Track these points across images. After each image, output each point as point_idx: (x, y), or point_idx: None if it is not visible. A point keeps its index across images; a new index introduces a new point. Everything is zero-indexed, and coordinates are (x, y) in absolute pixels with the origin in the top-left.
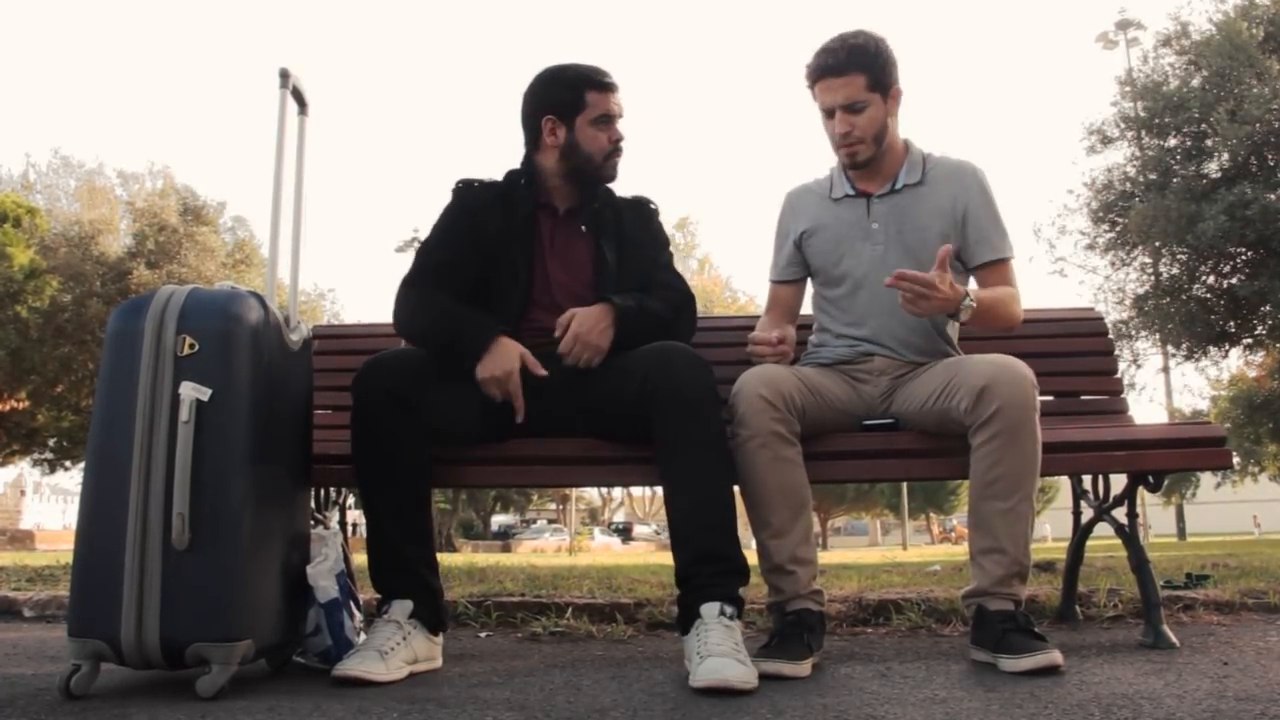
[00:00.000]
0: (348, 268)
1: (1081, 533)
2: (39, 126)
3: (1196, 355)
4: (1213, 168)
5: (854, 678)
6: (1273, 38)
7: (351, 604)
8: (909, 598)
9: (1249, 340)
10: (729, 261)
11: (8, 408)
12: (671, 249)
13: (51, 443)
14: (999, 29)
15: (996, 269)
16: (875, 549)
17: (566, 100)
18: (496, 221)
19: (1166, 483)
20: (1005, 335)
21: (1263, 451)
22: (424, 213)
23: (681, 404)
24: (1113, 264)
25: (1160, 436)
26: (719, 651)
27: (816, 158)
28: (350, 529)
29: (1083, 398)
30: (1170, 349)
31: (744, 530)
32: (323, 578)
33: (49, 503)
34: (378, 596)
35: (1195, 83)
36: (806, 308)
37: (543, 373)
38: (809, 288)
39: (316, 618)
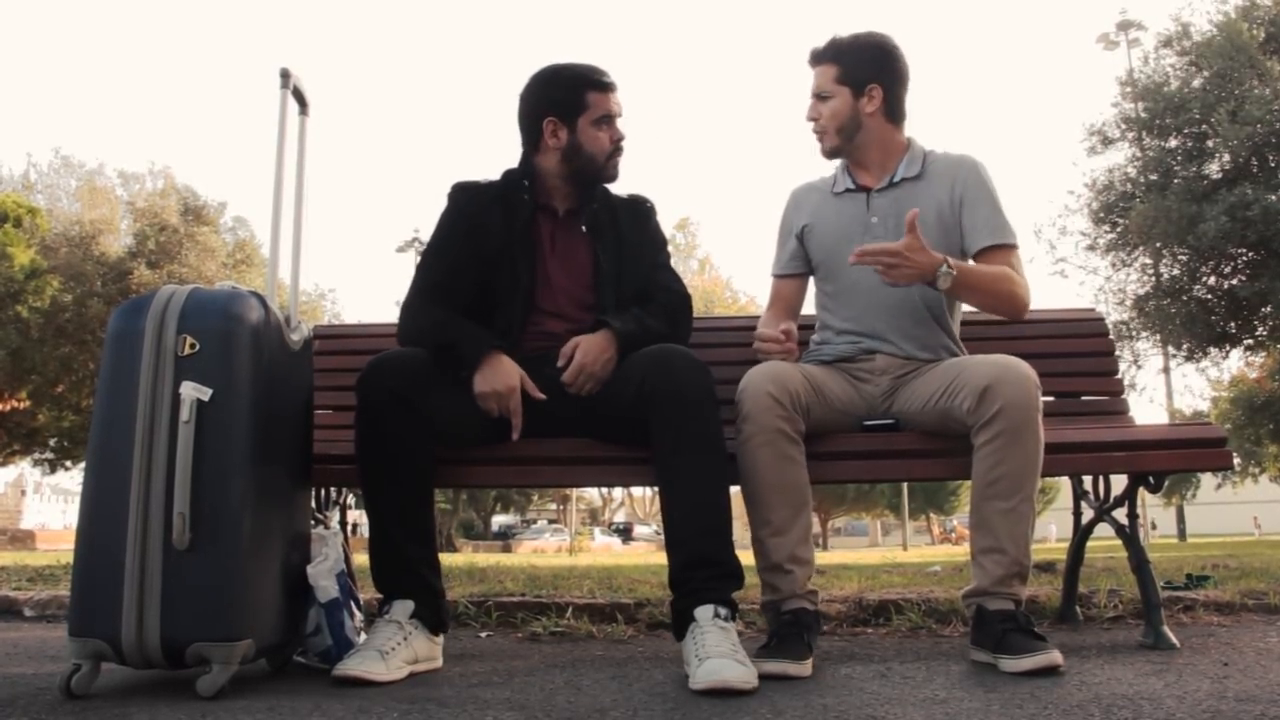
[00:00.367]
0: (348, 268)
1: (1082, 533)
2: (40, 126)
3: (1197, 356)
4: (1214, 169)
5: (854, 678)
6: (1274, 39)
7: (352, 604)
8: (909, 598)
9: (1250, 341)
10: (729, 262)
11: (8, 408)
12: (669, 248)
13: (52, 443)
14: (1000, 29)
15: (996, 254)
16: (875, 549)
17: (568, 101)
18: (496, 224)
19: (1167, 483)
20: (1007, 336)
21: (1263, 452)
22: (424, 213)
23: (680, 406)
24: (1113, 265)
25: (1161, 437)
26: (717, 653)
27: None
28: (350, 529)
29: (1083, 398)
30: (1171, 350)
31: (743, 530)
32: (323, 577)
33: (49, 503)
34: (378, 596)
35: (1196, 84)
36: (808, 307)
37: (542, 397)
38: (811, 285)
39: (317, 617)
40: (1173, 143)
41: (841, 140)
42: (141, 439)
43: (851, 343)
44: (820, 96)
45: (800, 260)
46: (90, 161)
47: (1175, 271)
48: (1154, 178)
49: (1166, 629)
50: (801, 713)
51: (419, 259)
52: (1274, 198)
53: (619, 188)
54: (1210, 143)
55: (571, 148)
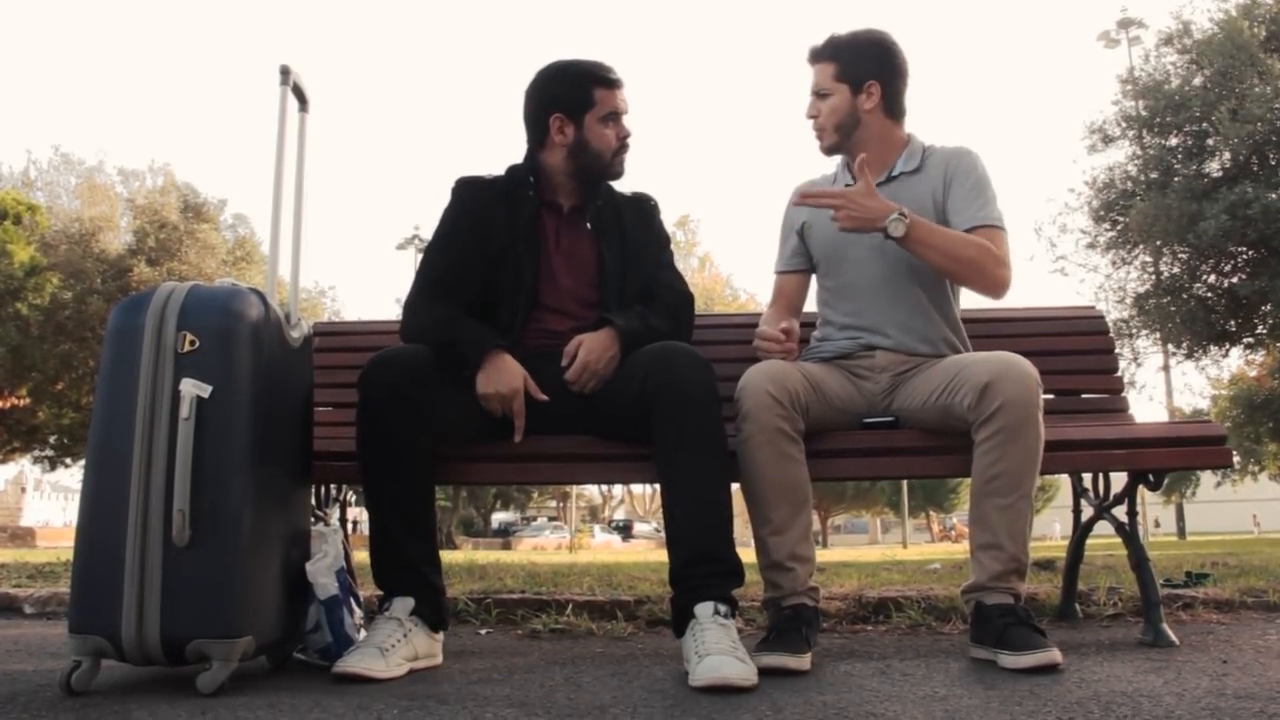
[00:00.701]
0: (348, 265)
1: (1081, 531)
2: (40, 123)
3: (1197, 354)
4: (1214, 167)
5: (854, 675)
6: (1275, 37)
7: (352, 601)
8: (909, 595)
9: (1249, 339)
10: (730, 259)
11: (8, 405)
12: (671, 247)
13: (52, 440)
14: (1001, 28)
15: (977, 234)
16: (875, 547)
17: (574, 98)
18: (500, 220)
19: (1167, 481)
20: (1007, 334)
21: (1263, 450)
22: (425, 210)
23: (681, 404)
24: (1113, 263)
25: (1160, 435)
26: (717, 650)
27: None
28: (350, 526)
29: (1083, 396)
30: (1171, 348)
31: (743, 528)
32: (323, 574)
33: (49, 500)
34: (378, 593)
35: (1197, 82)
36: (810, 305)
37: (544, 398)
38: (813, 283)
39: (317, 614)
40: (1173, 141)
41: (840, 137)
42: (141, 436)
43: (852, 338)
44: (819, 94)
45: (801, 257)
46: (90, 158)
47: (1175, 269)
48: (1154, 176)
49: (1166, 627)
50: (801, 710)
51: (422, 255)
52: (1274, 196)
53: (621, 185)
54: (1211, 141)
55: (578, 144)
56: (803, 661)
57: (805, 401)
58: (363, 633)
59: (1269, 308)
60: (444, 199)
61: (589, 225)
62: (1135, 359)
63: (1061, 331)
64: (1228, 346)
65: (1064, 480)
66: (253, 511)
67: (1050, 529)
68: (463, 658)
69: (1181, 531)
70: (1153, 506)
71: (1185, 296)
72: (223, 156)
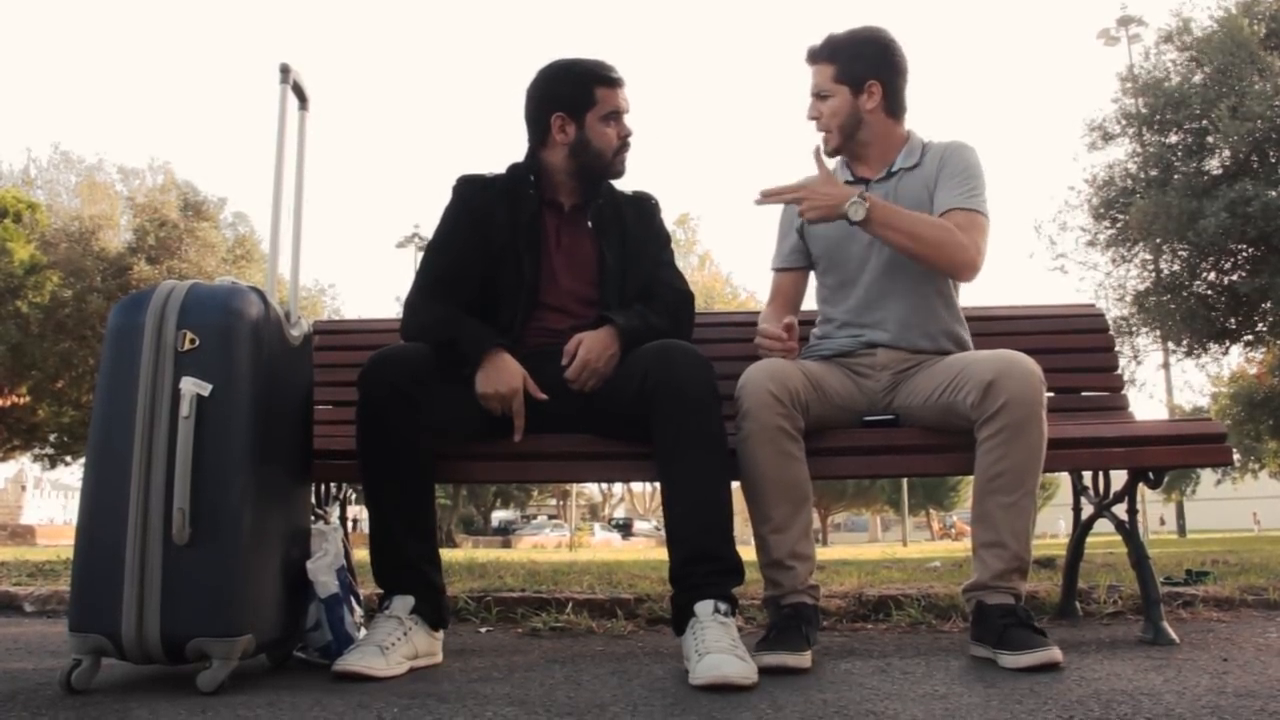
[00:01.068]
0: (348, 263)
1: (1082, 529)
2: (40, 122)
3: (1197, 352)
4: (1214, 164)
5: (854, 673)
6: (1275, 34)
7: (352, 599)
8: (909, 594)
9: (1249, 337)
10: (729, 258)
11: (8, 403)
12: (671, 245)
13: (52, 438)
14: (1001, 25)
15: (952, 216)
16: (875, 545)
17: (575, 97)
18: (501, 219)
19: (1167, 479)
20: (1007, 332)
21: (1263, 448)
22: (425, 208)
23: (682, 402)
24: (1113, 260)
25: (1160, 433)
26: (717, 648)
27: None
28: (351, 524)
29: (1083, 394)
30: (1171, 345)
31: (743, 526)
32: (323, 573)
33: (49, 498)
34: (379, 591)
35: (1197, 79)
36: (809, 303)
37: (544, 397)
38: (812, 280)
39: (317, 613)
40: (1173, 138)
41: (843, 138)
42: (141, 434)
43: (852, 336)
44: (819, 95)
45: (800, 254)
46: (90, 157)
47: (1175, 267)
48: (1154, 173)
49: (1166, 625)
50: (801, 708)
51: (422, 253)
52: (1274, 194)
53: (622, 184)
54: (1211, 138)
55: (579, 143)
56: (803, 660)
57: (805, 399)
58: (363, 631)
59: (1269, 305)
60: (444, 197)
61: (590, 224)
62: (1135, 357)
63: (1061, 329)
64: (1228, 344)
65: (1064, 478)
66: (253, 510)
67: (1055, 526)
68: (463, 656)
69: (1182, 529)
70: (1156, 505)
71: (1185, 294)
72: (223, 155)
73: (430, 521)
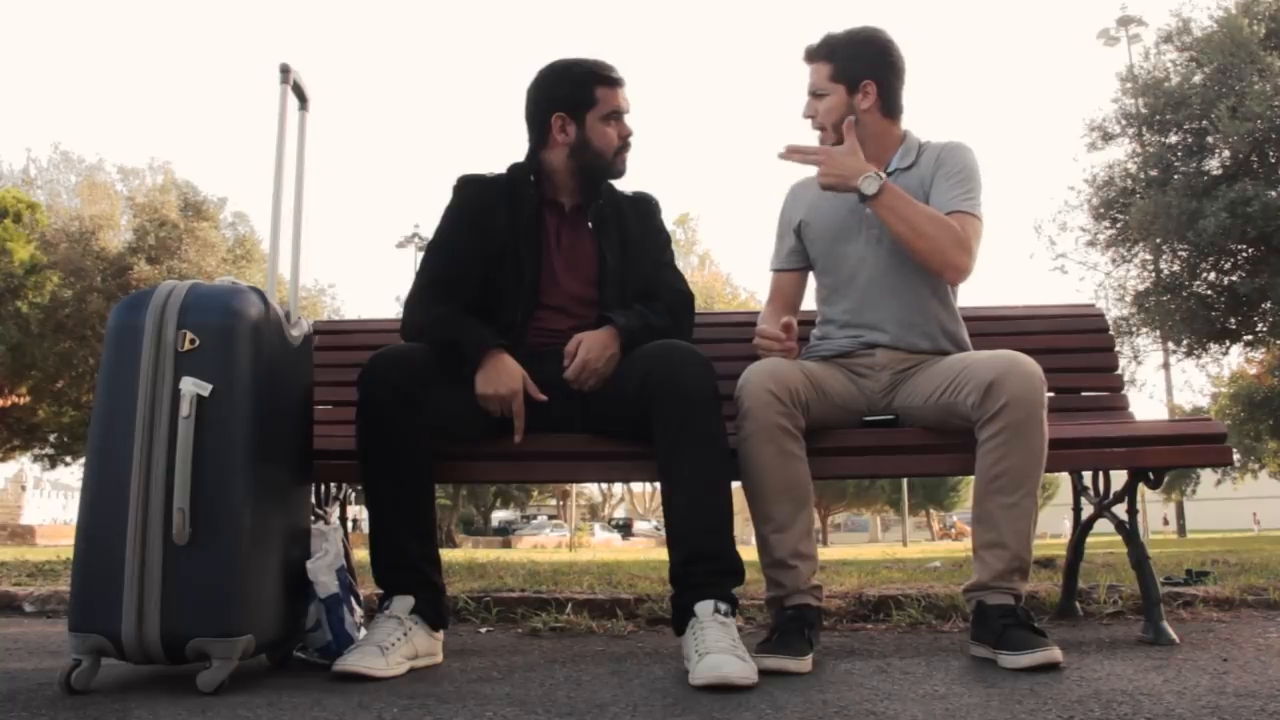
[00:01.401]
0: (348, 263)
1: (1082, 529)
2: (40, 122)
3: (1197, 352)
4: (1214, 164)
5: (854, 673)
6: (1274, 34)
7: (352, 599)
8: (909, 594)
9: (1249, 337)
10: (729, 258)
11: (8, 403)
12: (672, 246)
13: (52, 438)
14: (1001, 25)
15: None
16: (875, 545)
17: (576, 97)
18: (502, 219)
19: (1167, 479)
20: (1006, 332)
21: (1263, 448)
22: (425, 208)
23: (682, 402)
24: (1113, 260)
25: (1160, 433)
26: (717, 648)
27: None
28: (351, 524)
29: (1083, 394)
30: (1171, 346)
31: (744, 525)
32: (323, 573)
33: (49, 498)
34: (379, 592)
35: (1196, 79)
36: (809, 303)
37: (543, 398)
38: (812, 280)
39: (317, 613)
40: (1173, 138)
41: (838, 136)
42: (141, 434)
43: (852, 336)
44: (815, 94)
45: (799, 255)
46: (90, 157)
47: (1175, 267)
48: (1154, 173)
49: (1166, 625)
50: (801, 708)
51: (423, 254)
52: (1274, 194)
53: (623, 185)
54: (1210, 138)
55: (580, 143)
56: (803, 664)
57: (805, 399)
58: (363, 631)
59: (1269, 305)
60: (444, 197)
61: (590, 224)
62: (1135, 357)
63: (1061, 329)
64: (1228, 344)
65: (1064, 478)
66: (253, 510)
67: (1060, 526)
68: (463, 656)
69: (1182, 529)
70: (1159, 505)
71: (1185, 294)
72: (223, 155)
73: (430, 522)
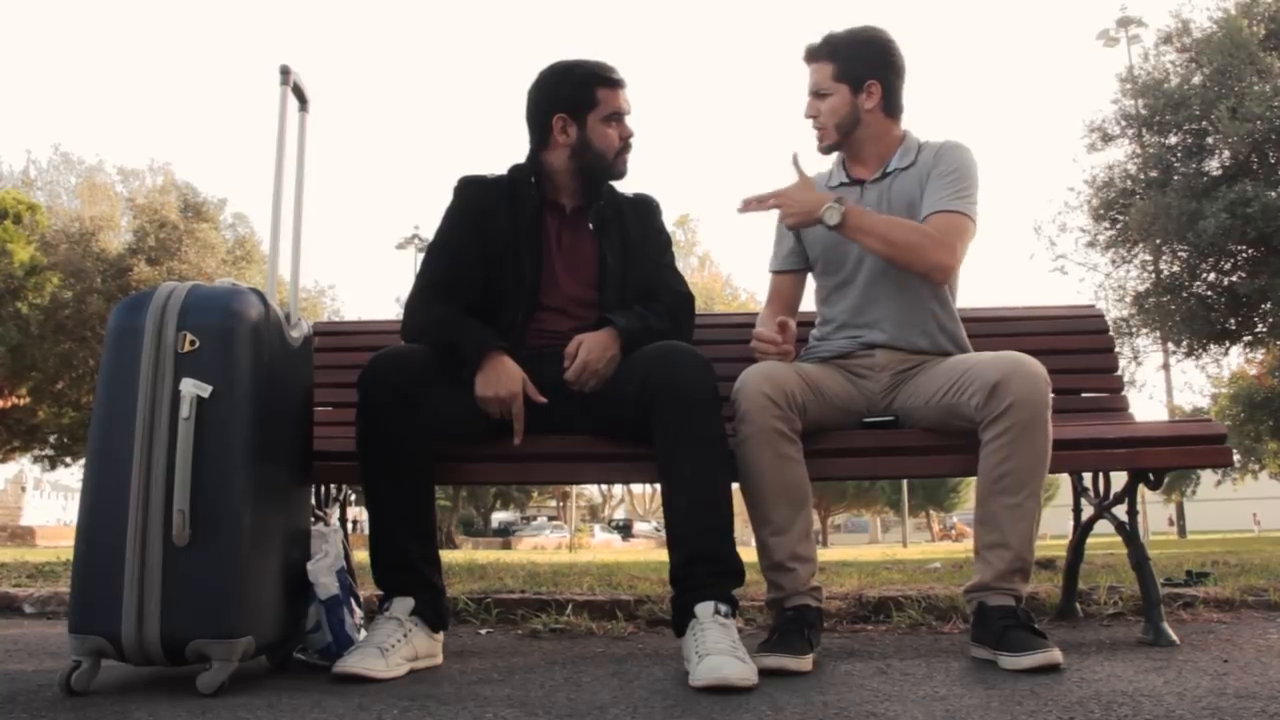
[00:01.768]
0: (348, 264)
1: (1082, 530)
2: (40, 123)
3: (1197, 353)
4: (1214, 165)
5: (854, 675)
6: (1274, 35)
7: (352, 600)
8: (909, 595)
9: (1249, 338)
10: (729, 259)
11: (8, 404)
12: (672, 248)
13: (52, 439)
14: (1000, 26)
15: (935, 218)
16: (875, 546)
17: (577, 98)
18: (503, 220)
19: (1167, 480)
20: (1007, 333)
21: (1263, 449)
22: (424, 209)
23: (682, 404)
24: (1113, 261)
25: (1160, 434)
26: (717, 650)
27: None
28: (351, 526)
29: (1083, 395)
30: (1171, 346)
31: (744, 527)
32: (323, 574)
33: (49, 499)
34: (379, 593)
35: (1196, 80)
36: (809, 304)
37: (543, 400)
38: (810, 281)
39: (317, 614)
40: (1173, 139)
41: (840, 136)
42: (141, 436)
43: (851, 337)
44: (818, 94)
45: (798, 256)
46: (90, 158)
47: (1175, 268)
48: (1154, 174)
49: (1166, 626)
50: (801, 709)
51: (423, 254)
52: (1274, 194)
53: (623, 186)
54: (1210, 139)
55: (581, 144)
56: (804, 663)
57: (802, 401)
58: (363, 633)
59: (1269, 306)
60: (445, 198)
61: (590, 225)
62: (1135, 358)
63: (1061, 330)
64: (1228, 345)
65: (1064, 479)
66: (253, 511)
67: (1065, 526)
68: (463, 658)
69: (1182, 530)
70: (1160, 506)
71: (1185, 295)
72: (223, 156)
73: (430, 523)
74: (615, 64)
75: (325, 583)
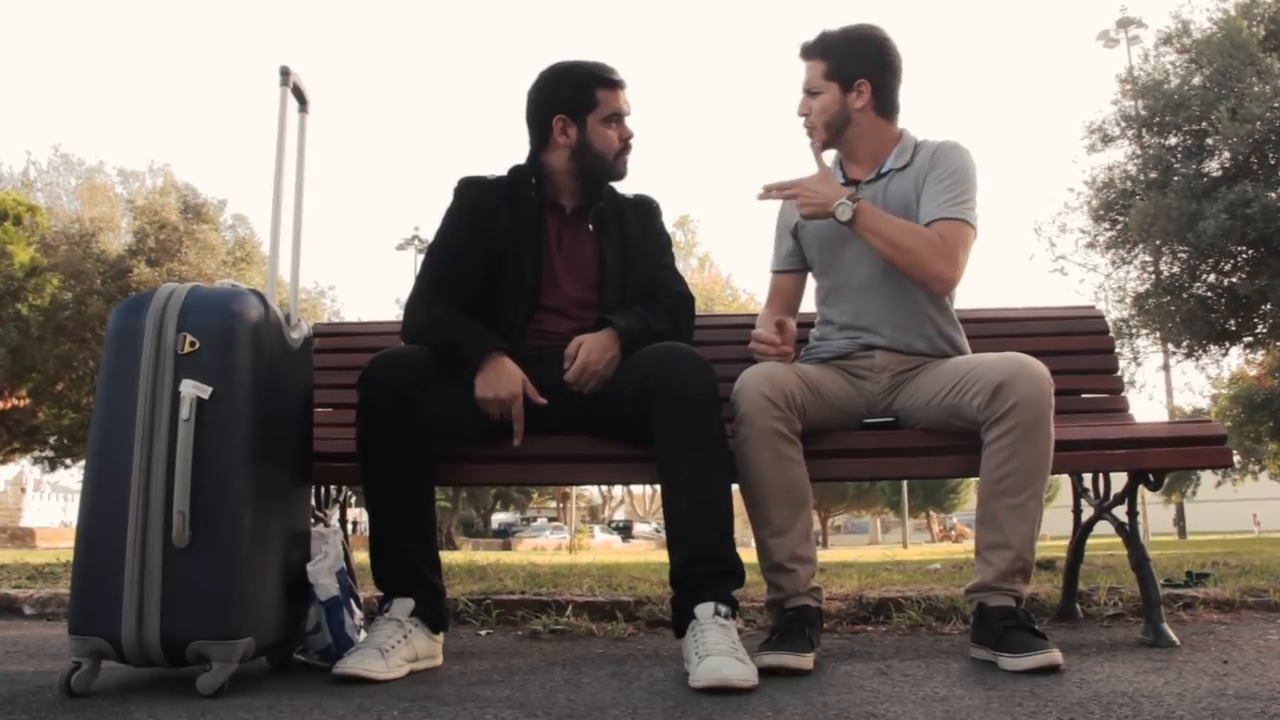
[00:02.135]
0: (348, 265)
1: (1082, 531)
2: (40, 124)
3: (1197, 353)
4: (1213, 166)
5: (854, 675)
6: (1274, 36)
7: (352, 601)
8: (909, 596)
9: (1249, 339)
10: (729, 259)
11: (8, 405)
12: (672, 249)
13: (52, 440)
14: (1000, 27)
15: (936, 226)
16: (875, 547)
17: (577, 99)
18: (503, 221)
19: (1167, 481)
20: (1007, 334)
21: (1263, 450)
22: (425, 210)
23: (682, 404)
24: (1113, 262)
25: (1161, 435)
26: (718, 650)
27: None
28: (351, 527)
29: (1083, 396)
30: (1171, 347)
31: (744, 528)
32: (323, 575)
33: (49, 501)
34: (379, 594)
35: (1196, 81)
36: (809, 304)
37: (543, 401)
38: (811, 281)
39: (317, 615)
40: (1172, 140)
41: (830, 135)
42: (141, 437)
43: (850, 338)
44: (810, 92)
45: (797, 256)
46: (90, 159)
47: (1175, 269)
48: (1154, 175)
49: (1166, 626)
50: (801, 710)
51: (424, 255)
52: (1274, 195)
53: (624, 187)
54: (1210, 140)
55: (581, 145)
56: (805, 661)
57: (801, 402)
58: (363, 634)
59: (1269, 307)
60: (445, 199)
61: (591, 226)
62: (1135, 358)
63: (1061, 331)
64: (1228, 346)
65: (1064, 480)
66: (253, 512)
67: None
68: (463, 659)
69: (1182, 531)
70: (1161, 506)
71: (1185, 296)
72: (222, 157)
73: (430, 524)
74: (615, 65)
75: (325, 584)
